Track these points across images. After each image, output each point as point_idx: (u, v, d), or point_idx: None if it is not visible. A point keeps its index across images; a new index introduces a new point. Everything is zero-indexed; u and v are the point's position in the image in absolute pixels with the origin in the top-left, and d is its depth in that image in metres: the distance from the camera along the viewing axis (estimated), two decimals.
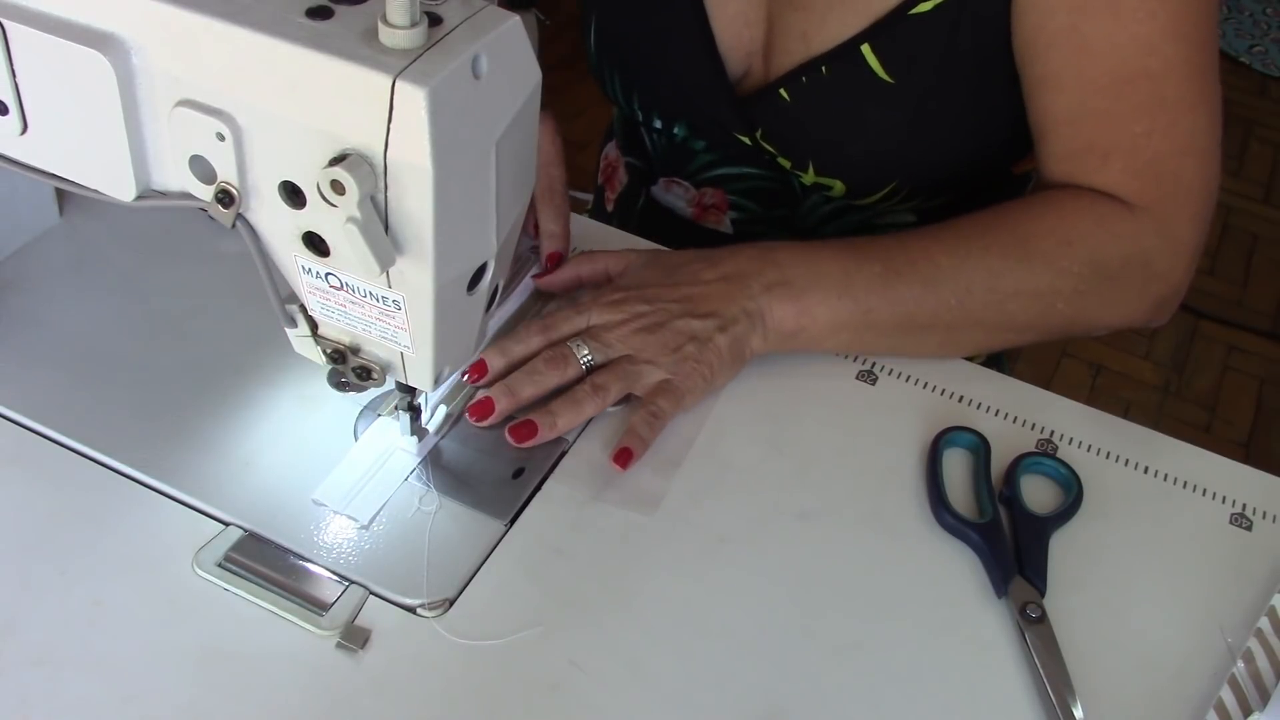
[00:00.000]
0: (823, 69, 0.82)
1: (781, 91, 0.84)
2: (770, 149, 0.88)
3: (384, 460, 0.69)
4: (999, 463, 0.72)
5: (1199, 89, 0.74)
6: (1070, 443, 0.74)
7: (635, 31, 0.91)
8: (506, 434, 0.69)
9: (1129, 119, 0.74)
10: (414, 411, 0.68)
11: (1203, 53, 0.74)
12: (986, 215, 0.77)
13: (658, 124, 0.95)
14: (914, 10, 0.79)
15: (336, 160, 0.50)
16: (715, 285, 0.74)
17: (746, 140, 0.89)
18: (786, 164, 0.88)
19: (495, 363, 0.72)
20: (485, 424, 0.70)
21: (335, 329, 0.61)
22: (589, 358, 0.71)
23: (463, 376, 0.72)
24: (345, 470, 0.68)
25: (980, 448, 0.72)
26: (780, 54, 0.85)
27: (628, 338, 0.72)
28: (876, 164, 0.86)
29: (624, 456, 0.69)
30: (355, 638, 0.60)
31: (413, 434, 0.69)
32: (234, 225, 0.56)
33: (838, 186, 0.88)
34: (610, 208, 1.07)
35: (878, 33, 0.80)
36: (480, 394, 0.71)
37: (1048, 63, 0.76)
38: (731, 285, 0.74)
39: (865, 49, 0.80)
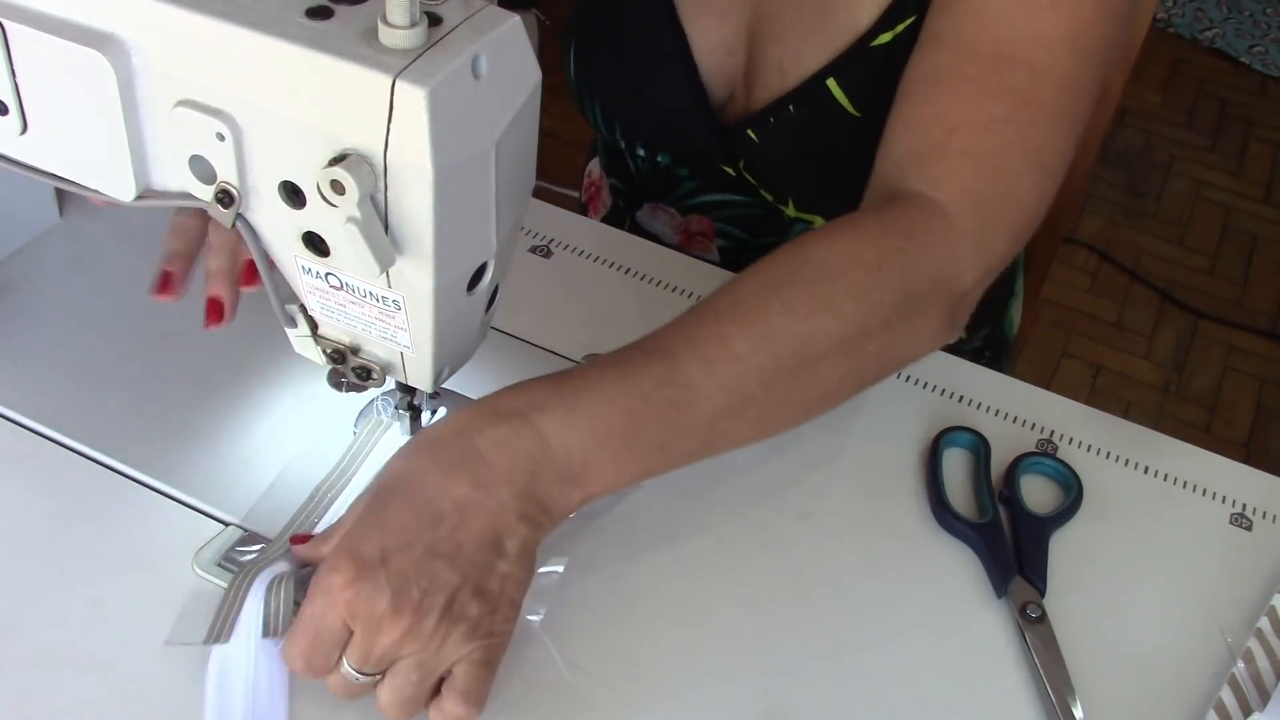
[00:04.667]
0: (790, 108, 0.81)
1: (749, 133, 0.83)
2: (752, 180, 0.87)
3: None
4: (999, 463, 0.72)
5: (1071, 107, 0.69)
6: (1070, 443, 0.74)
7: (616, 60, 0.89)
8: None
9: (993, 97, 0.68)
10: (414, 411, 0.68)
11: (1088, 74, 0.70)
12: (782, 259, 0.65)
13: (641, 152, 0.93)
14: (875, 42, 0.77)
15: (336, 160, 0.50)
16: (469, 507, 0.56)
17: (730, 171, 0.88)
18: (769, 197, 0.87)
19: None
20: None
21: (335, 329, 0.61)
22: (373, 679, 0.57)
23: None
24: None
25: (980, 448, 0.72)
26: (759, 87, 0.84)
27: (408, 645, 0.55)
28: (855, 197, 0.81)
29: None
30: None
31: (413, 434, 0.69)
32: (234, 225, 0.56)
33: (819, 221, 0.86)
34: None
35: (841, 66, 0.79)
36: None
37: (936, 19, 0.71)
38: (487, 496, 0.56)
39: (831, 83, 0.79)
